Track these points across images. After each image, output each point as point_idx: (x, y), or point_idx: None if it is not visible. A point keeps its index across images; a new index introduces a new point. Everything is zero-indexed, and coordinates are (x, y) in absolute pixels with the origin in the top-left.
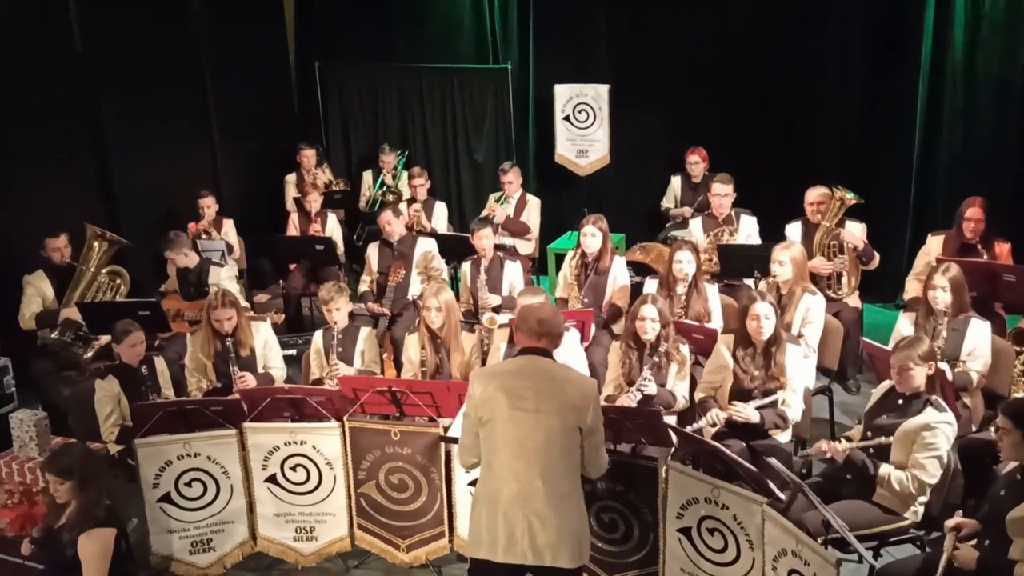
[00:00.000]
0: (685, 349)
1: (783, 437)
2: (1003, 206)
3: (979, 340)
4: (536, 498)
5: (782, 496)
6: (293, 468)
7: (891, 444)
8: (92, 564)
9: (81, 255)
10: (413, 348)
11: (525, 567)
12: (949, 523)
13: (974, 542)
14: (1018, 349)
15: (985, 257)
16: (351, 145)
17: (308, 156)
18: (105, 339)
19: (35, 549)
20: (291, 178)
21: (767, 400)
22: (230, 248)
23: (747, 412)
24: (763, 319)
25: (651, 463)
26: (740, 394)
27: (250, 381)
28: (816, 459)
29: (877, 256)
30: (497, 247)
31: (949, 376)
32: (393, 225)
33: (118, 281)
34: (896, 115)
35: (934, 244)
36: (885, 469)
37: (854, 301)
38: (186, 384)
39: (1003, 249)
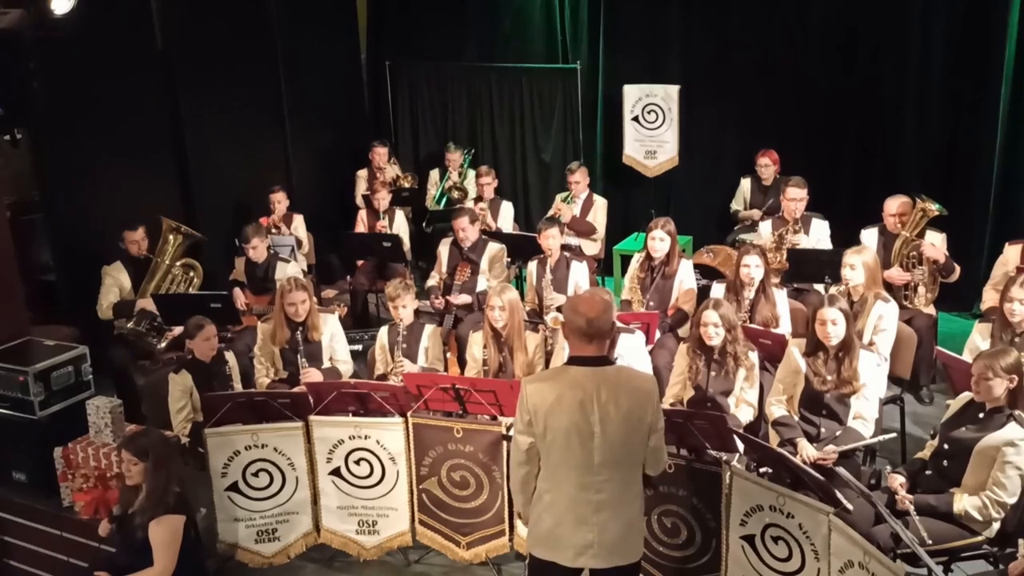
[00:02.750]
0: (754, 355)
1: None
2: None
3: None
4: (605, 508)
5: (849, 506)
6: (357, 462)
7: (946, 454)
8: (162, 549)
9: (157, 247)
10: (477, 346)
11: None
12: (1015, 571)
13: None
14: None
15: None
16: (420, 143)
17: (380, 153)
18: (178, 330)
19: (112, 529)
20: (363, 174)
21: (849, 447)
22: (299, 243)
23: (833, 454)
24: (830, 324)
25: (714, 468)
26: (812, 399)
27: (314, 375)
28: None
29: (958, 269)
30: (563, 247)
31: None
32: (468, 231)
33: (191, 274)
34: (977, 119)
35: (1012, 253)
36: (960, 506)
37: (928, 308)
38: (254, 374)
39: None
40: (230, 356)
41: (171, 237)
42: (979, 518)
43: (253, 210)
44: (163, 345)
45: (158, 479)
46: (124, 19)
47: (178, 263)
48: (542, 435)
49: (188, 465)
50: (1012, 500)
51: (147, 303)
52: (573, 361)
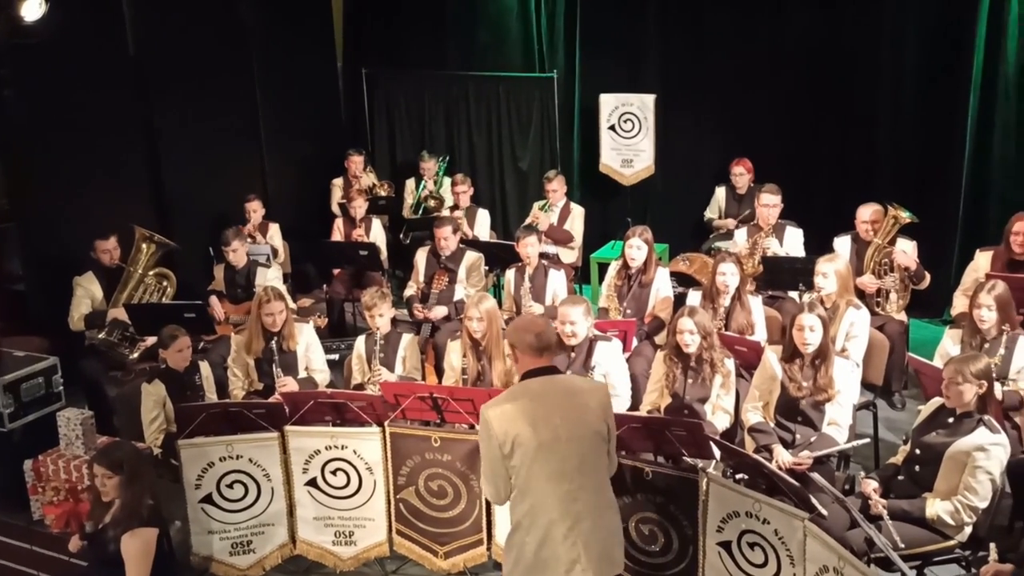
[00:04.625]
0: (730, 362)
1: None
2: None
3: None
4: (584, 519)
5: (824, 512)
6: (334, 472)
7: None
8: (135, 563)
9: (129, 257)
10: (455, 355)
11: None
12: (987, 574)
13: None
14: None
15: None
16: (396, 151)
17: (356, 162)
18: (151, 340)
19: (84, 545)
20: (338, 182)
21: (824, 452)
22: (275, 252)
23: (813, 456)
24: (808, 331)
25: (692, 475)
26: (788, 405)
27: (291, 385)
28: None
29: (928, 276)
30: (541, 255)
31: (999, 395)
32: (449, 241)
33: (165, 283)
34: (947, 128)
35: (982, 260)
36: (932, 511)
37: (900, 315)
38: (228, 385)
39: None
40: (204, 366)
41: (144, 246)
42: (951, 523)
43: (228, 219)
44: (136, 355)
45: (132, 492)
46: (96, 26)
47: (151, 272)
48: (510, 455)
49: (161, 477)
50: (983, 504)
51: (119, 313)
52: (527, 376)
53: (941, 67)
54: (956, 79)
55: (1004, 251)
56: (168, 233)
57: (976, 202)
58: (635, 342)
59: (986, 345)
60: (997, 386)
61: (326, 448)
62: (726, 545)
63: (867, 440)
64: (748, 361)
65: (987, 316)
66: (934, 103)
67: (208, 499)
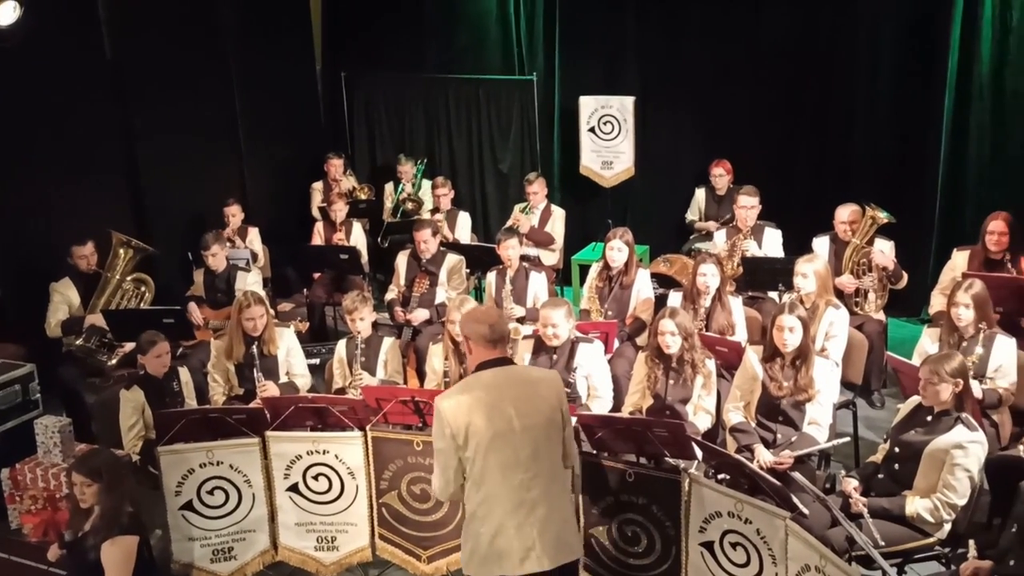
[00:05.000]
0: (711, 363)
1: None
2: None
3: (1005, 357)
4: (539, 507)
5: (805, 511)
6: (315, 477)
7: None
8: (115, 571)
9: (107, 262)
10: (437, 358)
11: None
12: (966, 570)
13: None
14: None
15: (1012, 272)
16: (376, 154)
17: (335, 165)
18: (129, 346)
19: (63, 554)
20: (318, 186)
21: (804, 452)
22: (255, 256)
23: (794, 455)
24: (788, 331)
25: (674, 476)
26: (769, 405)
27: (272, 390)
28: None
29: (906, 276)
30: (522, 257)
31: (978, 393)
32: (429, 243)
33: (143, 288)
34: (923, 129)
35: (960, 259)
36: (912, 508)
37: (878, 314)
38: (208, 391)
39: None
40: (183, 372)
41: (121, 251)
42: (931, 520)
43: (207, 223)
44: (114, 362)
45: (111, 500)
46: (72, 30)
47: (129, 278)
48: (464, 446)
49: (141, 484)
50: (962, 502)
51: (97, 319)
52: (480, 367)
53: (917, 68)
54: (931, 80)
55: (980, 250)
56: (146, 238)
57: (952, 202)
58: (616, 343)
59: (964, 343)
60: (976, 384)
61: (307, 453)
62: (708, 545)
63: (847, 439)
64: (729, 361)
65: (965, 314)
66: (910, 104)
67: (188, 506)
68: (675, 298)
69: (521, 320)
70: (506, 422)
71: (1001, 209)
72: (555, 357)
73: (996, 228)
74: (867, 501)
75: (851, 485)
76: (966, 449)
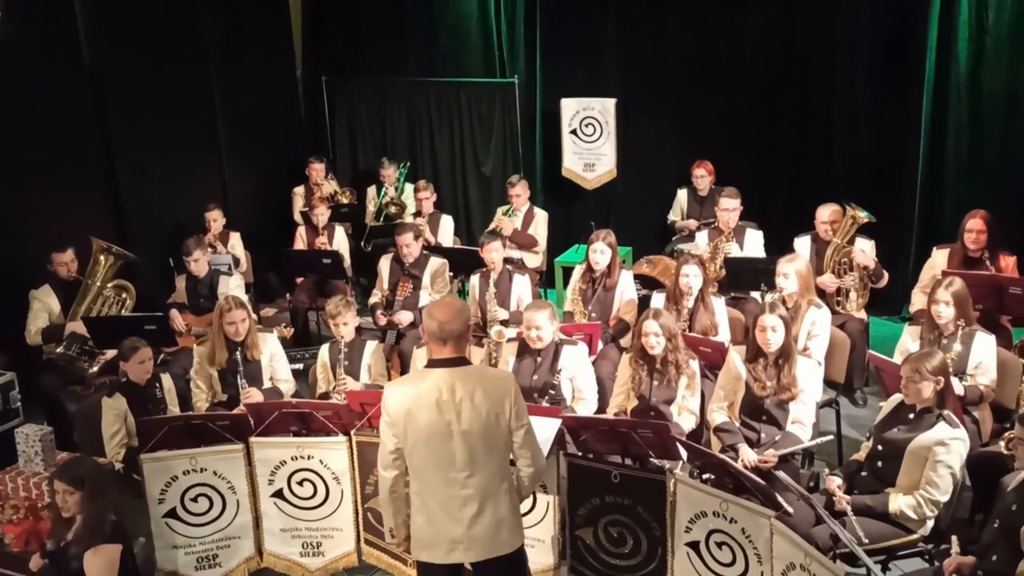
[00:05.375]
0: (695, 364)
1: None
2: (1010, 220)
3: (985, 354)
4: (471, 503)
5: (790, 510)
6: (300, 483)
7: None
8: None
9: (87, 269)
10: (421, 362)
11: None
12: (949, 567)
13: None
14: None
15: (991, 270)
16: (358, 158)
17: (317, 170)
18: (111, 354)
19: (46, 564)
20: (299, 190)
21: (788, 450)
22: (236, 261)
23: (777, 455)
24: (770, 331)
25: (659, 477)
26: (753, 405)
27: (255, 396)
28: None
29: (886, 275)
30: (505, 260)
31: (960, 390)
32: (411, 247)
33: (124, 295)
34: (901, 129)
35: (940, 258)
36: (895, 505)
37: (860, 313)
38: (191, 397)
39: (1008, 262)
40: (166, 379)
41: (102, 258)
42: (914, 517)
43: (188, 229)
44: (95, 369)
45: (94, 508)
46: (50, 37)
47: (109, 284)
48: (404, 436)
49: (124, 492)
50: (944, 498)
51: (77, 326)
52: (432, 363)
53: (895, 69)
54: (910, 81)
55: (960, 248)
56: (127, 244)
57: (931, 201)
58: (600, 345)
59: (943, 341)
60: (956, 381)
61: (292, 459)
62: (694, 545)
63: (830, 437)
64: (712, 362)
65: (945, 312)
66: (889, 104)
67: (172, 513)
68: (658, 299)
69: (505, 323)
70: (445, 423)
71: (979, 207)
72: (539, 359)
73: (975, 226)
74: (850, 499)
75: (835, 483)
76: (948, 446)
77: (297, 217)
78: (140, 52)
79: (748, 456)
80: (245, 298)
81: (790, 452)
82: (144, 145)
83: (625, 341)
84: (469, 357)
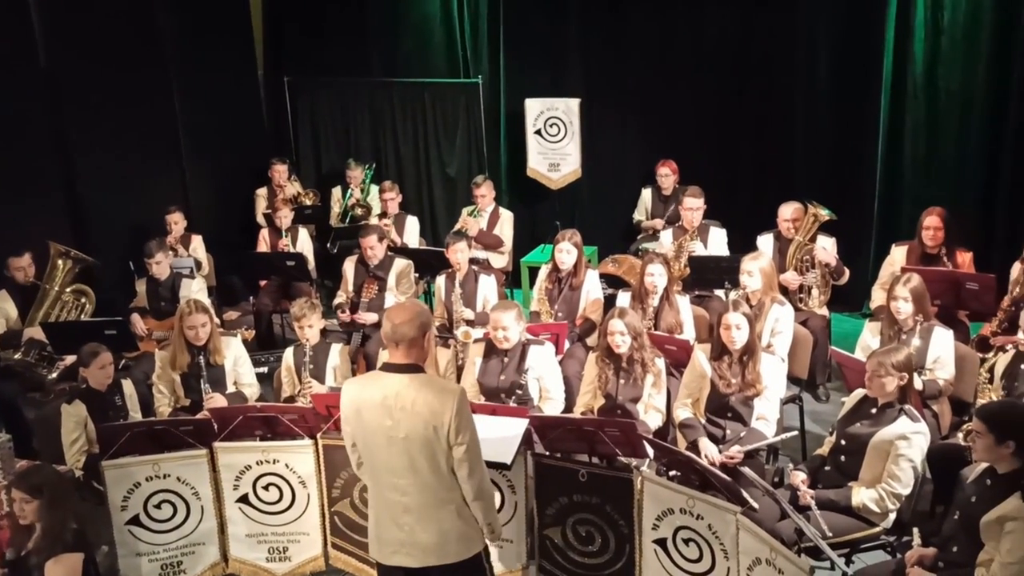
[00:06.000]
0: (660, 362)
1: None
2: (965, 216)
3: (943, 348)
4: (411, 511)
5: (755, 505)
6: (265, 487)
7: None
8: None
9: (45, 274)
10: None
11: (412, 569)
12: (911, 559)
13: (933, 550)
14: (982, 356)
15: (948, 266)
16: (322, 159)
17: (279, 171)
18: (70, 360)
19: (5, 573)
20: (262, 192)
21: (753, 446)
22: (199, 265)
23: (742, 451)
24: (735, 329)
25: (626, 475)
26: (718, 402)
27: (219, 400)
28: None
29: (847, 272)
30: (471, 260)
31: (919, 385)
32: (376, 249)
33: (83, 300)
34: (860, 128)
35: (898, 254)
36: (858, 499)
37: (822, 310)
38: (154, 403)
39: (965, 258)
40: (127, 384)
41: (60, 262)
42: (876, 510)
43: (149, 232)
44: (54, 375)
45: (54, 517)
46: (4, 37)
47: (68, 289)
48: (354, 435)
49: (85, 500)
50: (906, 491)
51: (36, 332)
52: (384, 367)
53: (853, 69)
54: (868, 80)
55: (918, 245)
56: (85, 248)
57: (890, 198)
58: (567, 344)
59: (903, 336)
60: (915, 376)
61: (257, 463)
62: (662, 542)
63: (794, 433)
64: (678, 360)
65: (904, 308)
66: (848, 104)
67: (135, 521)
68: (624, 298)
69: (471, 323)
70: (388, 428)
71: (936, 205)
72: (506, 360)
73: (932, 224)
74: (815, 493)
75: (799, 478)
76: (910, 440)
77: (260, 219)
78: (97, 53)
79: (710, 452)
80: (207, 302)
81: (754, 448)
82: (102, 147)
83: (592, 340)
84: (433, 362)
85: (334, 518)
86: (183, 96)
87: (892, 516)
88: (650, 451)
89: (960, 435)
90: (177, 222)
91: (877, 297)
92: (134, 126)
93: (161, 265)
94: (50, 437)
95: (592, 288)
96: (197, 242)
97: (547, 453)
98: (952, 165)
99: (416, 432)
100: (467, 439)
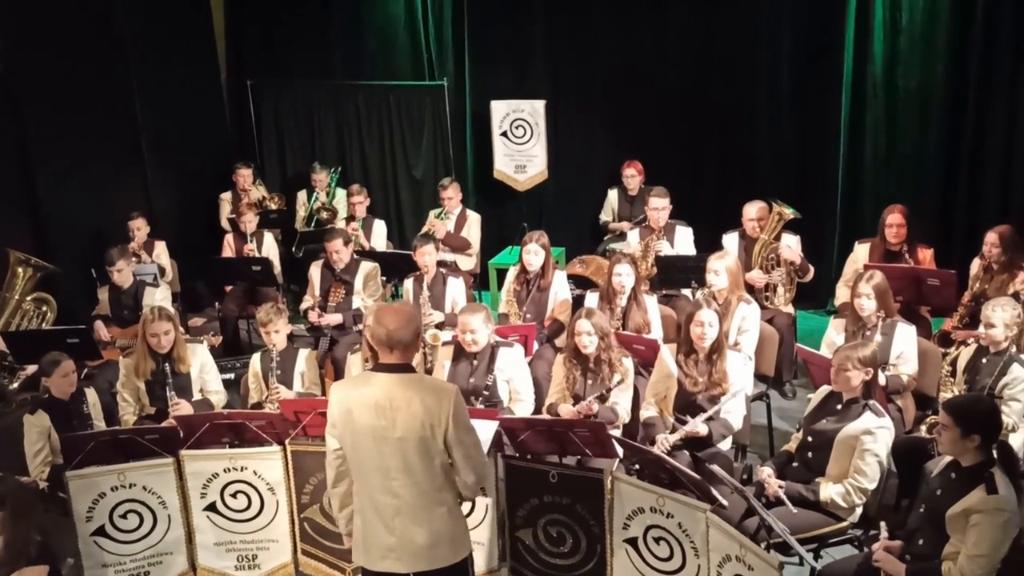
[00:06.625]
0: (628, 362)
1: (724, 444)
2: (927, 213)
3: (906, 344)
4: (403, 513)
5: (725, 503)
6: (233, 495)
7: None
8: None
9: (4, 282)
10: (356, 368)
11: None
12: (878, 550)
13: (899, 542)
14: (944, 351)
15: (910, 263)
16: (287, 163)
17: (244, 175)
18: (31, 369)
19: None
20: (226, 196)
21: (711, 411)
22: (162, 271)
23: (696, 427)
24: (707, 326)
25: (596, 475)
26: (685, 401)
27: (185, 408)
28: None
29: (812, 269)
30: (439, 263)
31: (882, 380)
32: (341, 253)
33: (44, 308)
34: (822, 127)
35: (861, 252)
36: (826, 493)
37: (787, 308)
38: (118, 411)
39: (926, 255)
40: (90, 393)
41: (20, 270)
42: (844, 505)
43: (111, 239)
44: (15, 385)
45: (17, 529)
46: None
47: (29, 298)
48: (343, 437)
49: (49, 511)
50: (872, 486)
51: None
52: (377, 368)
53: (814, 69)
54: (828, 80)
55: (880, 243)
56: (46, 256)
57: (852, 196)
58: (536, 346)
59: (867, 332)
60: (879, 372)
61: (224, 471)
62: (632, 542)
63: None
64: (646, 359)
65: (867, 305)
66: (810, 103)
67: (101, 531)
68: (592, 299)
69: (440, 326)
70: (383, 429)
71: (897, 202)
72: (475, 363)
73: (894, 221)
74: (783, 484)
75: (766, 473)
76: (875, 435)
77: (224, 224)
78: (56, 58)
79: (663, 441)
80: (172, 309)
81: (691, 430)
82: (62, 152)
83: (560, 341)
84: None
85: (304, 524)
86: (144, 100)
87: (859, 511)
88: (620, 450)
89: (923, 427)
90: (140, 228)
91: (841, 294)
92: (95, 131)
93: (123, 273)
94: (12, 448)
95: (560, 289)
96: (160, 248)
97: (517, 455)
98: (912, 162)
99: (412, 432)
100: (465, 438)
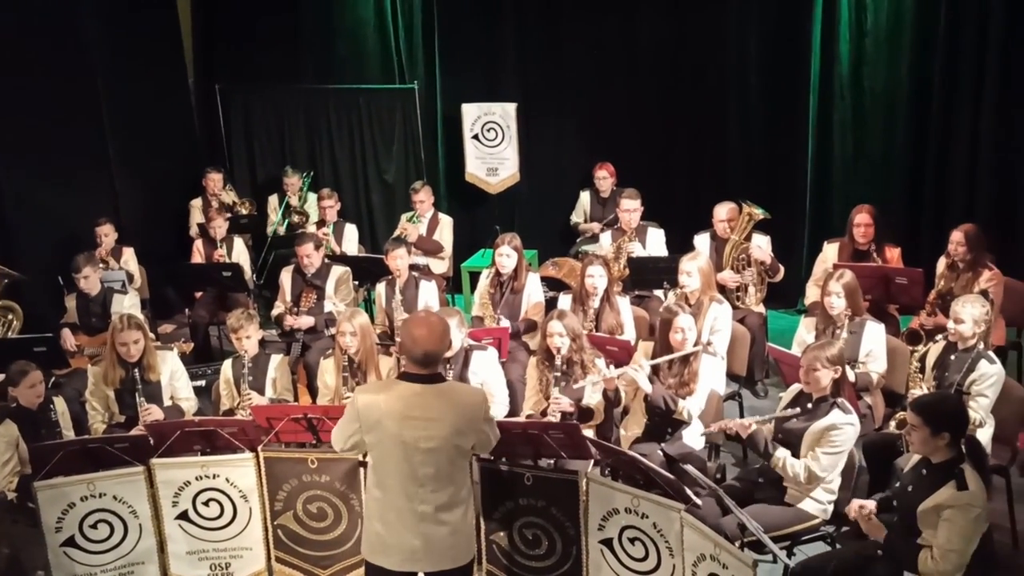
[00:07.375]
0: (601, 362)
1: (697, 444)
2: (894, 213)
3: (875, 342)
4: (430, 517)
5: (699, 502)
6: (206, 503)
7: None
8: None
9: None
10: (329, 373)
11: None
12: (852, 509)
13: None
14: (912, 348)
15: (878, 262)
16: (256, 168)
17: (214, 180)
18: None
19: None
20: (196, 203)
21: (602, 375)
22: (131, 277)
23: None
24: (687, 331)
25: (571, 477)
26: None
27: (156, 414)
28: (721, 437)
29: (782, 269)
30: (411, 267)
31: (851, 378)
32: (312, 258)
33: (10, 316)
34: (791, 128)
35: (830, 251)
36: (781, 453)
37: (758, 307)
38: (87, 420)
39: (893, 254)
40: (59, 402)
41: None
42: (789, 473)
43: (78, 245)
44: None
45: None
46: None
47: None
48: (373, 444)
49: (17, 523)
50: (823, 475)
51: None
52: (404, 376)
53: (782, 70)
54: (796, 81)
55: (848, 242)
56: (11, 263)
57: (820, 197)
58: (511, 345)
59: (837, 331)
60: (848, 369)
61: (197, 479)
62: (608, 543)
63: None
64: (619, 360)
65: (837, 303)
66: (778, 105)
67: (71, 542)
68: (565, 301)
69: None
70: (413, 438)
71: (865, 202)
72: (449, 367)
73: (862, 220)
74: (750, 422)
75: (729, 421)
76: (841, 430)
77: (194, 231)
78: (21, 63)
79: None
80: (141, 316)
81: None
82: (27, 158)
83: (533, 342)
84: (375, 370)
85: (277, 531)
86: (111, 104)
87: (830, 507)
88: (594, 452)
89: (893, 424)
90: (107, 234)
91: (811, 293)
92: (60, 135)
93: (90, 280)
94: None
95: (533, 291)
96: (129, 254)
97: (492, 458)
98: (879, 163)
99: (447, 442)
100: (493, 433)
